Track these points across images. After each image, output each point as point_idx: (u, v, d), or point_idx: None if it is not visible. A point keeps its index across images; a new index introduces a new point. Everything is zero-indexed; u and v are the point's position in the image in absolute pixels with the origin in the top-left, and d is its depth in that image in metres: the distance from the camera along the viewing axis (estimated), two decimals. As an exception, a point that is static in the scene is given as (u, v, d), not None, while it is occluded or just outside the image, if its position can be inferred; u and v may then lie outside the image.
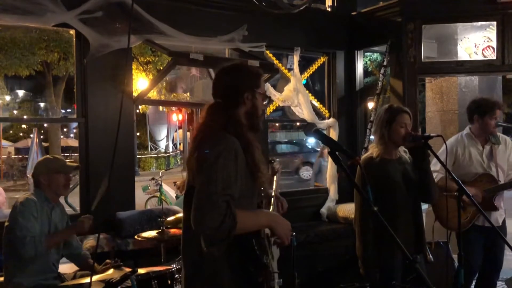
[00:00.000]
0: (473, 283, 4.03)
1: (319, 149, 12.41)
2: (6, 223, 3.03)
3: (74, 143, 25.40)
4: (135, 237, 3.49)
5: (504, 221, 3.94)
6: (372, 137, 4.53)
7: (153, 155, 28.69)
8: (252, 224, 1.96)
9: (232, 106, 2.06)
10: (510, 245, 2.79)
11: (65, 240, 3.24)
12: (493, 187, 3.75)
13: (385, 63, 5.25)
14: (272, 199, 2.49)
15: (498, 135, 3.95)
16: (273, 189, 2.57)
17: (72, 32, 4.11)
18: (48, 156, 3.40)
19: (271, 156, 5.17)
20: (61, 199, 3.40)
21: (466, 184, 3.49)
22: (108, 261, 3.19)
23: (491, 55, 4.91)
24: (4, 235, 3.02)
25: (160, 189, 9.39)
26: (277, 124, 38.31)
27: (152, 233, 3.39)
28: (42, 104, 28.15)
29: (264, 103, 2.16)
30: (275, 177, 2.74)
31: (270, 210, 2.45)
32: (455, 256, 3.47)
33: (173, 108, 24.75)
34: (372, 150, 3.14)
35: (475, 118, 3.90)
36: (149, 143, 31.36)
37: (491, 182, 3.77)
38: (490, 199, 3.73)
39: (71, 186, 3.36)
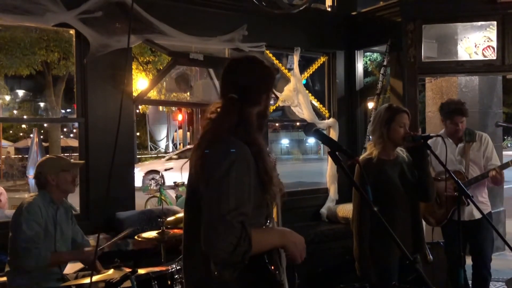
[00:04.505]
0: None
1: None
2: (11, 226, 2.99)
3: (74, 143, 25.37)
4: (135, 237, 3.49)
5: (488, 216, 3.96)
6: (371, 137, 4.55)
7: (153, 155, 28.68)
8: (266, 245, 1.76)
9: (248, 105, 1.85)
10: (510, 245, 2.79)
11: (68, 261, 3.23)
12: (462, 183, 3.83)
13: (385, 63, 5.25)
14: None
15: (475, 132, 4.09)
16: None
17: (72, 32, 4.12)
18: (50, 156, 3.37)
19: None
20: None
21: (438, 182, 3.74)
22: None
23: (491, 55, 4.91)
24: (9, 238, 3.00)
25: (160, 189, 9.40)
26: (277, 124, 38.41)
27: (152, 234, 3.39)
28: (42, 104, 28.12)
29: (271, 102, 2.06)
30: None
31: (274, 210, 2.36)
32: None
33: (173, 109, 24.74)
34: (370, 149, 3.14)
35: (441, 120, 4.13)
36: (149, 143, 31.35)
37: (460, 179, 3.83)
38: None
39: (77, 180, 3.36)
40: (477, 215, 3.87)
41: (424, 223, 3.98)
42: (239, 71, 1.91)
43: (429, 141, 3.98)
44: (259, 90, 1.89)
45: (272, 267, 1.77)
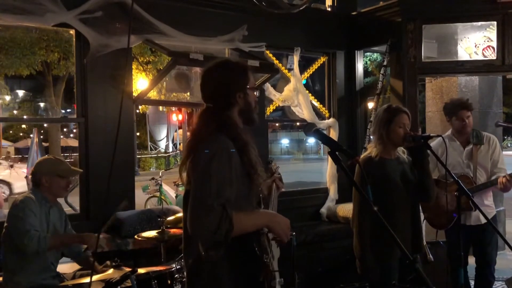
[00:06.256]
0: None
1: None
2: (6, 223, 3.03)
3: (74, 143, 25.37)
4: (135, 237, 3.49)
5: (493, 219, 3.98)
6: (371, 137, 4.55)
7: (153, 155, 28.68)
8: (250, 225, 1.92)
9: (224, 109, 2.00)
10: (510, 245, 2.79)
11: (68, 244, 3.24)
12: (469, 189, 3.76)
13: (385, 63, 5.25)
14: (273, 185, 2.50)
15: (483, 134, 4.01)
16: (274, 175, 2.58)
17: (72, 32, 4.11)
18: (50, 157, 3.35)
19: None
20: (60, 199, 3.40)
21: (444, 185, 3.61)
22: (108, 262, 3.18)
23: (491, 55, 4.91)
24: (3, 233, 3.02)
25: (160, 189, 9.39)
26: (277, 124, 38.42)
27: (152, 233, 3.39)
28: (42, 104, 28.11)
29: (256, 94, 2.08)
30: (275, 175, 2.73)
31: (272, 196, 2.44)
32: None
33: (173, 108, 24.75)
34: (371, 149, 3.15)
35: (447, 120, 4.04)
36: (149, 143, 31.35)
37: (468, 184, 3.80)
38: (466, 200, 3.75)
39: (70, 186, 3.37)
40: (483, 220, 3.82)
41: (425, 223, 3.98)
42: (209, 79, 2.05)
43: (435, 144, 3.99)
44: (232, 91, 2.00)
45: (259, 250, 1.93)
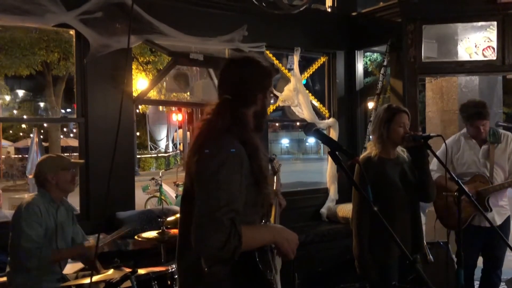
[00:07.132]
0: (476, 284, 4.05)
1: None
2: (11, 226, 3.00)
3: (74, 143, 25.37)
4: (135, 237, 3.48)
5: (507, 220, 3.93)
6: (371, 136, 4.55)
7: (153, 155, 28.69)
8: (257, 241, 1.76)
9: (242, 105, 1.86)
10: (510, 245, 2.79)
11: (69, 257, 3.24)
12: (485, 189, 3.75)
13: (385, 63, 5.25)
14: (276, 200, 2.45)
15: (500, 132, 3.92)
16: (274, 187, 2.53)
17: (72, 32, 4.12)
18: (50, 154, 3.34)
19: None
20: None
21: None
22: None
23: (491, 55, 4.91)
24: (10, 239, 3.00)
25: (160, 189, 9.40)
26: (277, 124, 38.46)
27: (152, 234, 3.39)
28: (42, 104, 28.15)
29: (271, 101, 2.00)
30: (275, 177, 2.72)
31: (272, 212, 2.33)
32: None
33: (173, 108, 24.76)
34: (370, 149, 3.15)
35: (463, 122, 3.95)
36: (149, 143, 31.36)
37: (485, 183, 3.77)
38: (482, 200, 3.73)
39: (76, 179, 3.36)
40: (498, 221, 3.78)
41: (425, 223, 3.97)
42: (233, 72, 1.91)
43: (450, 141, 3.97)
44: (254, 89, 1.89)
45: (262, 266, 1.77)
